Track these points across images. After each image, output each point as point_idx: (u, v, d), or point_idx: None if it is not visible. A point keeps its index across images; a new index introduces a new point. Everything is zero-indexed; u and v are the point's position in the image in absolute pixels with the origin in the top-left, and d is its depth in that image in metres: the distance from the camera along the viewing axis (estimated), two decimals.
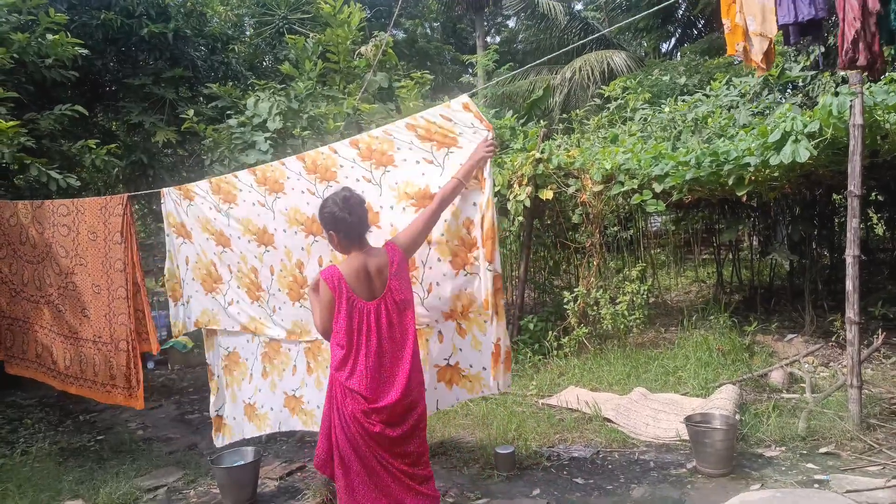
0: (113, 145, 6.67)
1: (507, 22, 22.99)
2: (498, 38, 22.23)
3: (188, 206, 4.35)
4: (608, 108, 8.85)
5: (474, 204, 3.52)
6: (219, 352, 4.46)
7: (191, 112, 6.81)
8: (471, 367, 3.69)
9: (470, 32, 21.18)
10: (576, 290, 6.47)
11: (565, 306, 6.47)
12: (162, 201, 4.49)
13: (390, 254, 3.15)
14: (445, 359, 3.73)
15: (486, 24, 19.78)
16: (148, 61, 9.17)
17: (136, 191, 6.83)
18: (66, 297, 4.86)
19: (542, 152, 6.39)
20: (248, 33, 11.74)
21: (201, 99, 9.44)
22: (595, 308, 6.41)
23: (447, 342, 3.72)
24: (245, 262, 4.25)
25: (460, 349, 3.69)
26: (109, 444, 5.53)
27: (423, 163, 3.61)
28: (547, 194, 6.25)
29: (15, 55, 5.73)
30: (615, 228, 6.54)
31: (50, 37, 6.05)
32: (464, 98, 3.50)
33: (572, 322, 6.47)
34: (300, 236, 4.07)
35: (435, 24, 21.40)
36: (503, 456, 4.27)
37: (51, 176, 5.36)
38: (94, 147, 6.13)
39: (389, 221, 3.76)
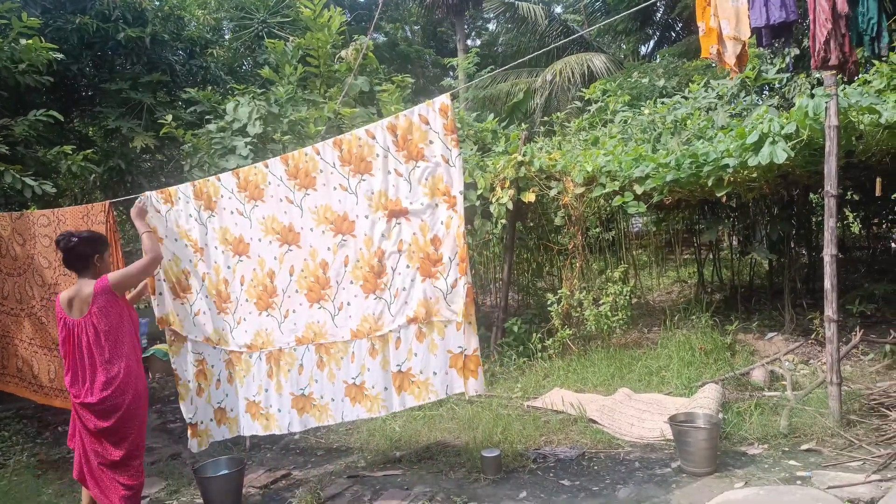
0: (90, 151, 6.58)
1: (488, 25, 23.09)
2: (479, 42, 22.30)
3: (167, 210, 4.30)
4: (589, 111, 8.91)
5: (441, 222, 3.62)
6: (187, 357, 4.40)
7: (169, 117, 6.73)
8: (421, 372, 3.82)
9: (450, 36, 21.23)
10: (559, 291, 6.50)
11: (549, 308, 6.49)
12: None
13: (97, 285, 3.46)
14: (398, 365, 3.84)
15: (466, 27, 19.83)
16: (125, 66, 9.06)
17: (114, 196, 6.75)
18: (50, 308, 4.77)
19: (523, 155, 6.41)
20: (226, 37, 11.65)
21: (180, 103, 9.34)
22: (578, 310, 6.44)
23: (403, 348, 3.82)
24: (217, 273, 4.23)
25: (415, 354, 3.81)
26: None
27: (393, 174, 3.71)
28: (529, 197, 6.27)
29: None
30: (597, 230, 6.58)
31: (23, 41, 5.95)
32: (444, 99, 3.53)
33: (556, 324, 6.49)
34: (275, 245, 4.08)
35: (415, 28, 21.41)
36: (489, 459, 4.26)
37: (26, 183, 5.28)
38: (71, 153, 6.04)
39: (364, 231, 3.80)
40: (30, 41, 5.86)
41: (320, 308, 3.99)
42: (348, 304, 3.91)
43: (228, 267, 4.19)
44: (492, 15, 19.80)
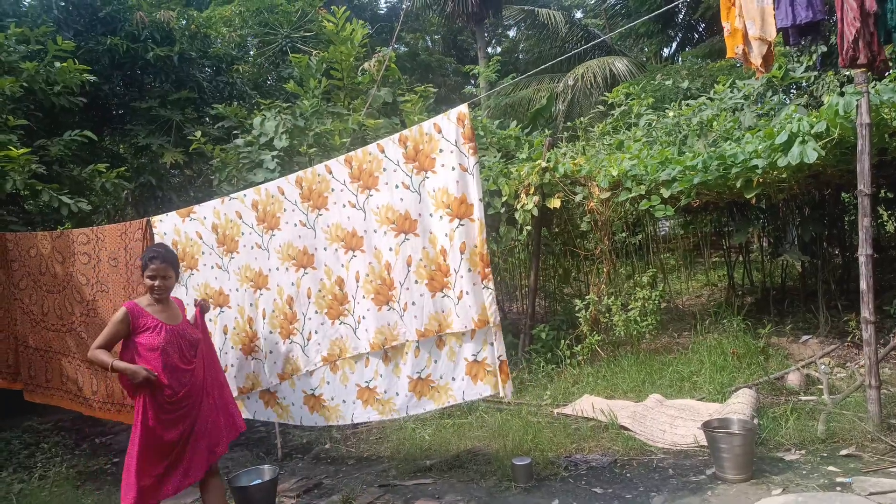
0: (122, 168, 6.74)
1: (508, 32, 23.12)
2: (499, 49, 22.34)
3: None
4: (612, 115, 8.86)
5: (445, 234, 3.63)
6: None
7: (198, 133, 6.87)
8: (385, 392, 3.94)
9: (471, 44, 21.31)
10: (587, 297, 6.46)
11: (577, 314, 6.45)
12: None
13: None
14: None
15: (486, 35, 19.89)
16: (154, 84, 9.28)
17: (145, 212, 6.89)
18: (89, 324, 4.89)
19: (548, 161, 6.40)
20: (251, 53, 11.85)
21: (207, 119, 9.54)
22: (607, 315, 6.39)
23: (423, 356, 3.89)
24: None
25: (435, 361, 3.86)
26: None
27: (401, 188, 3.74)
28: (554, 203, 6.26)
29: (24, 84, 5.82)
30: (623, 234, 6.52)
31: (58, 64, 6.14)
32: (462, 108, 3.54)
33: (584, 330, 6.44)
34: (292, 271, 4.16)
35: (436, 38, 21.53)
36: (520, 467, 4.24)
37: (62, 201, 5.42)
38: (104, 171, 6.19)
39: (373, 245, 3.84)
40: (64, 64, 6.05)
41: (342, 323, 4.08)
42: (364, 316, 3.96)
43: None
44: (512, 22, 19.83)
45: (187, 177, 10.18)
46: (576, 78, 13.41)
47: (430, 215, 3.66)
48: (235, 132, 7.43)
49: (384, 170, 3.75)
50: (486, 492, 4.20)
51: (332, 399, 4.18)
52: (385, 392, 3.99)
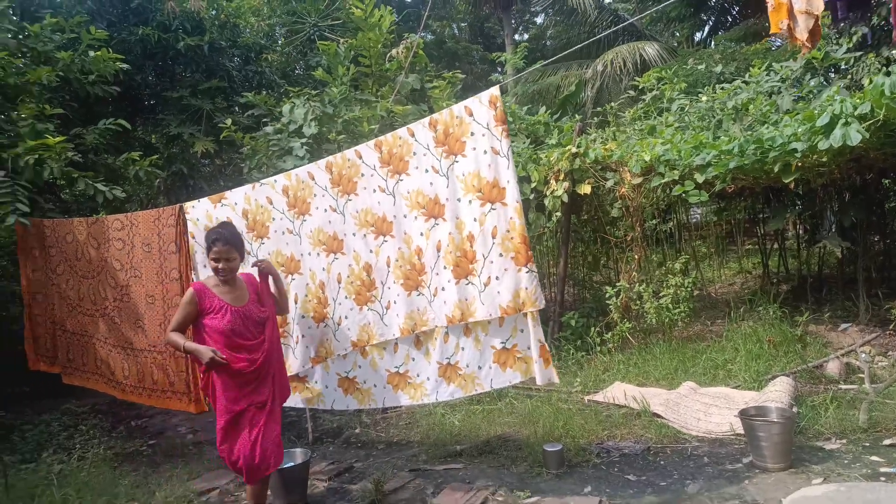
0: (154, 157, 6.83)
1: (535, 19, 22.87)
2: (526, 36, 22.09)
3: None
4: (643, 100, 8.70)
5: (475, 219, 3.57)
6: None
7: (228, 121, 6.93)
8: (417, 376, 3.92)
9: (498, 31, 21.12)
10: (618, 284, 6.37)
11: (607, 301, 6.38)
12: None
13: None
14: (447, 358, 3.87)
15: (514, 21, 19.68)
16: (185, 74, 9.37)
17: (176, 200, 6.96)
18: (122, 309, 4.98)
19: (578, 146, 6.32)
20: (279, 42, 11.90)
21: (236, 108, 9.60)
22: (638, 302, 6.30)
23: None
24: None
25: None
26: (161, 448, 5.64)
27: (431, 172, 3.70)
28: (585, 189, 6.17)
29: (60, 73, 5.91)
30: (654, 221, 6.41)
31: (92, 53, 6.22)
32: (494, 91, 3.49)
33: (615, 317, 6.37)
34: (322, 256, 4.18)
35: (462, 25, 21.39)
36: (552, 453, 4.21)
37: (97, 189, 5.51)
38: (138, 159, 6.27)
39: (403, 230, 3.81)
40: (98, 52, 6.12)
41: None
42: (394, 301, 3.97)
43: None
44: (539, 8, 19.58)
45: (217, 165, 10.28)
46: (605, 64, 13.20)
47: (459, 200, 3.62)
48: (265, 120, 7.47)
49: (414, 154, 3.72)
50: (518, 477, 4.18)
51: (365, 382, 4.21)
52: (417, 376, 3.99)
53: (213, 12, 9.39)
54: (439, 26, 19.99)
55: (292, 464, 4.25)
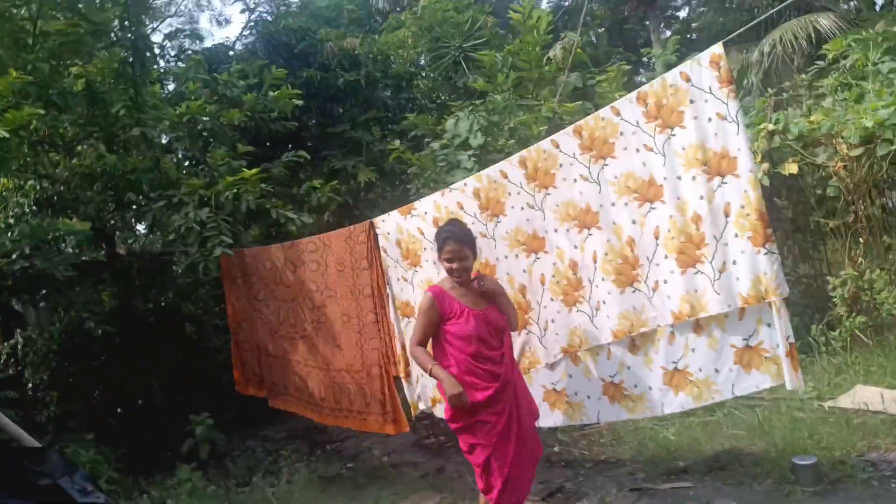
0: (334, 182, 7.12)
1: (678, 14, 21.71)
2: (668, 33, 21.01)
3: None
4: (836, 68, 7.68)
5: (701, 197, 3.12)
6: None
7: (396, 142, 7.04)
8: (635, 386, 3.46)
9: (638, 31, 20.29)
10: (842, 273, 5.51)
11: (831, 294, 5.53)
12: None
13: None
14: (674, 362, 3.37)
15: (657, 18, 18.81)
16: (343, 109, 9.83)
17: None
18: (319, 329, 5.08)
19: (775, 123, 5.62)
20: (425, 68, 12.18)
21: (389, 138, 9.88)
22: (869, 293, 5.40)
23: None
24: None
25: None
26: (361, 470, 5.67)
27: (643, 150, 3.30)
28: (791, 168, 5.46)
29: (247, 114, 6.34)
30: (881, 199, 5.50)
31: (272, 93, 6.63)
32: (716, 49, 3.09)
33: (839, 312, 5.50)
34: (522, 258, 3.91)
35: (600, 31, 20.83)
36: (804, 467, 3.60)
37: (287, 216, 5.75)
38: (319, 186, 6.54)
39: (611, 220, 3.45)
40: (279, 92, 6.50)
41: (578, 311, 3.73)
42: (604, 301, 3.59)
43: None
44: (679, 2, 18.58)
45: (377, 194, 10.62)
46: (772, 43, 12.04)
47: (679, 178, 3.22)
48: (427, 140, 7.53)
49: (621, 134, 3.38)
50: (764, 495, 3.63)
51: (576, 394, 3.85)
52: (635, 387, 3.56)
53: (366, 48, 9.80)
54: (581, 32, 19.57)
55: None
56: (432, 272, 4.38)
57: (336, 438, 6.93)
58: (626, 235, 3.45)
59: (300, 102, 6.89)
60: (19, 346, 7.29)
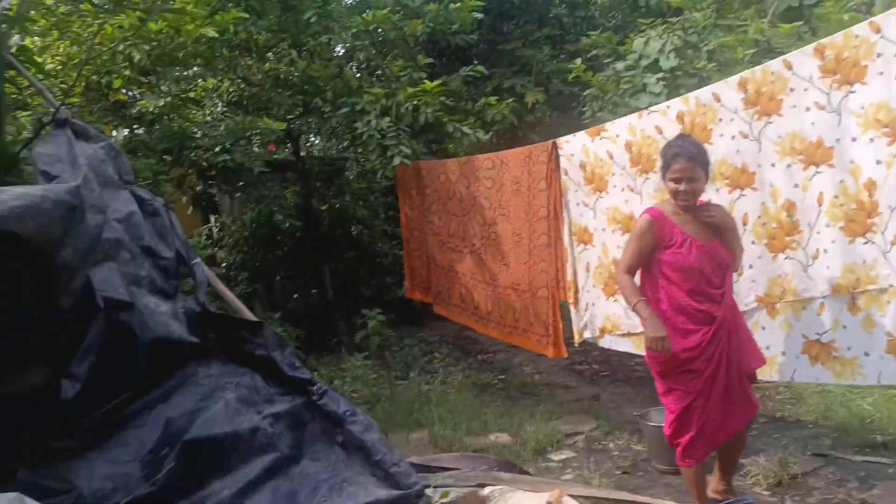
0: (511, 100, 6.98)
1: None
2: None
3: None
4: None
5: (878, 162, 2.76)
6: None
7: (577, 60, 6.66)
8: (849, 349, 3.08)
9: None
10: None
11: None
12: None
13: None
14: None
15: None
16: (516, 25, 9.47)
17: (506, 147, 7.03)
18: (488, 246, 5.13)
19: None
20: None
21: (563, 56, 9.39)
22: None
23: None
24: None
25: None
26: (513, 384, 5.81)
27: (814, 109, 2.99)
28: None
29: (429, 25, 6.28)
30: None
31: (453, 5, 6.48)
32: None
33: None
34: (725, 193, 3.56)
35: None
36: None
37: (463, 132, 5.73)
38: (494, 103, 6.42)
39: (848, 159, 3.01)
40: (460, 4, 6.34)
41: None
42: (825, 249, 3.17)
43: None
44: None
45: (540, 116, 10.27)
46: None
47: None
48: (608, 61, 7.06)
49: (879, 55, 2.89)
50: None
51: (768, 349, 3.54)
52: (848, 349, 3.17)
53: None
54: None
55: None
56: (619, 199, 4.18)
57: (487, 350, 7.13)
58: (866, 178, 3.00)
59: (479, 16, 6.69)
60: (215, 231, 8.16)
